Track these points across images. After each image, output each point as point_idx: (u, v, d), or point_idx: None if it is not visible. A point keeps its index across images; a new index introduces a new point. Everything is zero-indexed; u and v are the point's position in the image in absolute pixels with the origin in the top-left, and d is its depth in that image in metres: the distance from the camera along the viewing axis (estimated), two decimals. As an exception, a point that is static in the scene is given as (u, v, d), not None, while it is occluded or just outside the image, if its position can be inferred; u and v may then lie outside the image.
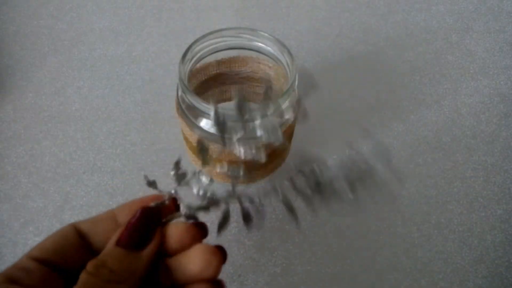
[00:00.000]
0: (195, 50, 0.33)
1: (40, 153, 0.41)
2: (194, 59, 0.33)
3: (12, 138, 0.42)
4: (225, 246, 0.23)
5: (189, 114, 0.32)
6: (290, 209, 0.26)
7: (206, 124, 0.31)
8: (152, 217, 0.22)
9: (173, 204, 0.24)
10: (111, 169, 0.40)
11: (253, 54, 0.36)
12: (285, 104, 0.31)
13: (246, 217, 0.26)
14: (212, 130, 0.31)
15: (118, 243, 0.21)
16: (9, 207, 0.37)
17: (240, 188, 0.25)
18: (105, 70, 0.48)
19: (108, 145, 0.42)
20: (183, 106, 0.32)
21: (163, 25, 0.54)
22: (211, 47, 0.34)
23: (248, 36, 0.34)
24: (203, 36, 0.33)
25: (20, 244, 0.35)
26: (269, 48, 0.34)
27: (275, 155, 0.35)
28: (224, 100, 0.42)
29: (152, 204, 0.23)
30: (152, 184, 0.25)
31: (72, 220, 0.37)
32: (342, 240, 0.36)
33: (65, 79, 0.47)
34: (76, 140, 0.42)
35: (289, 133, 0.34)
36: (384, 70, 0.50)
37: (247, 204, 0.26)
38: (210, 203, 0.25)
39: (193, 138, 0.33)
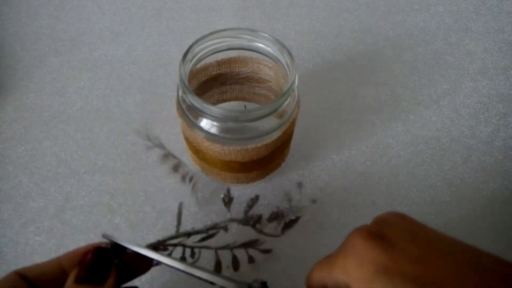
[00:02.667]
0: (196, 51, 0.33)
1: (41, 153, 0.41)
2: (195, 59, 0.33)
3: (13, 138, 0.42)
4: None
5: (190, 114, 0.32)
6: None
7: (206, 124, 0.31)
8: (104, 255, 0.24)
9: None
10: (111, 169, 0.40)
11: (253, 54, 0.36)
12: (285, 104, 0.31)
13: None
14: (213, 130, 0.31)
15: (77, 280, 0.22)
16: (10, 207, 0.37)
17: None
18: (106, 70, 0.49)
19: (109, 145, 0.42)
20: (184, 106, 0.32)
21: (163, 25, 0.54)
22: (211, 48, 0.34)
23: (248, 36, 0.34)
24: (204, 37, 0.33)
25: (21, 244, 0.35)
26: (269, 49, 0.34)
27: (274, 156, 0.35)
28: (224, 101, 0.42)
29: (103, 244, 0.25)
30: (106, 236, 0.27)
31: (73, 220, 0.37)
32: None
33: (66, 79, 0.47)
34: (76, 140, 0.42)
35: (289, 133, 0.34)
36: (384, 71, 0.50)
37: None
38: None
39: (193, 138, 0.33)
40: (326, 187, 0.40)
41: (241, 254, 0.33)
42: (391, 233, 0.19)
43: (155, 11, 0.56)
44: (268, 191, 0.39)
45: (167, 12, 0.56)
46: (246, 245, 0.32)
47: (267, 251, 0.34)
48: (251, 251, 0.34)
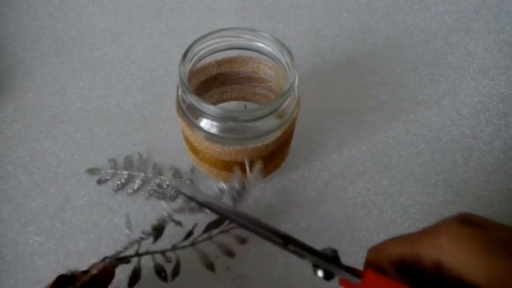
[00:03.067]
0: (195, 50, 0.33)
1: (41, 153, 0.41)
2: (194, 59, 0.33)
3: (13, 138, 0.42)
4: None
5: (189, 114, 0.32)
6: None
7: (206, 124, 0.31)
8: (66, 281, 0.26)
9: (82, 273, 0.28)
10: (111, 169, 0.40)
11: (253, 54, 0.36)
12: (285, 104, 0.31)
13: (159, 272, 0.30)
14: (213, 130, 0.31)
15: None
16: (10, 207, 0.37)
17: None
18: (106, 71, 0.49)
19: (109, 145, 0.42)
20: (184, 106, 0.32)
21: (163, 25, 0.54)
22: (211, 47, 0.34)
23: (248, 36, 0.34)
24: (203, 36, 0.33)
25: (21, 244, 0.35)
26: (269, 48, 0.34)
27: (275, 156, 0.35)
28: (224, 100, 0.42)
29: (66, 272, 0.27)
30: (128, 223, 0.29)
31: (73, 220, 0.37)
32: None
33: (66, 79, 0.47)
34: (76, 140, 0.42)
35: (289, 133, 0.34)
36: (384, 70, 0.50)
37: (159, 259, 0.30)
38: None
39: (193, 138, 0.33)
40: (326, 187, 0.39)
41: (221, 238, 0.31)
42: (478, 220, 0.21)
43: (155, 11, 0.56)
44: (268, 191, 0.39)
45: (167, 12, 0.56)
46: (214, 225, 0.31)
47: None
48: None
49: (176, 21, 0.55)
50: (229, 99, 0.42)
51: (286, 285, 0.34)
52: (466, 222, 0.21)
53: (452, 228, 0.20)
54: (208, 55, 0.35)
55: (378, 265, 0.23)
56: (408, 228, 0.37)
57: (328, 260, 0.22)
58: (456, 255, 0.19)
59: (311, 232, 0.37)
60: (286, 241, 0.24)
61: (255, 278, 0.34)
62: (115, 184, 0.39)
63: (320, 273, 0.22)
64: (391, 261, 0.22)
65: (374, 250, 0.24)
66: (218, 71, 0.38)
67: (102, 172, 0.39)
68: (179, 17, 0.55)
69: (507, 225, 0.21)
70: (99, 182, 0.39)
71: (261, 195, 0.39)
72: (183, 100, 0.32)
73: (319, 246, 0.37)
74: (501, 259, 0.18)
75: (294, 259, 0.35)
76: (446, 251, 0.20)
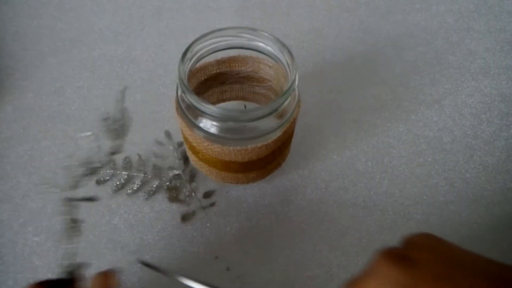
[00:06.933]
0: (195, 50, 0.33)
1: (40, 153, 0.41)
2: (194, 58, 0.33)
3: (12, 138, 0.42)
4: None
5: (189, 114, 0.32)
6: None
7: (205, 124, 0.31)
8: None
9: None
10: (110, 169, 0.40)
11: (253, 53, 0.35)
12: (285, 104, 0.31)
13: None
14: (212, 130, 0.31)
15: None
16: (8, 207, 0.37)
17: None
18: (105, 70, 0.48)
19: (108, 145, 0.41)
20: (183, 106, 0.32)
21: (162, 24, 0.54)
22: (211, 47, 0.34)
23: (248, 35, 0.34)
24: (203, 36, 0.33)
25: (19, 244, 0.35)
26: (269, 48, 0.34)
27: (275, 156, 0.35)
28: (224, 100, 0.42)
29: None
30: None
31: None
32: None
33: (65, 79, 0.47)
34: (75, 140, 0.42)
35: (289, 133, 0.34)
36: (384, 70, 0.50)
37: None
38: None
39: (193, 138, 0.32)
40: (327, 187, 0.39)
41: None
42: (415, 254, 0.19)
43: (155, 11, 0.56)
44: (268, 191, 0.39)
45: (166, 11, 0.56)
46: None
47: None
48: None
49: (176, 20, 0.54)
50: (229, 99, 0.42)
51: (286, 285, 0.34)
52: (398, 256, 0.19)
53: (380, 268, 0.19)
54: (207, 55, 0.35)
55: None
56: (409, 229, 0.37)
57: None
58: None
59: (311, 232, 0.36)
60: None
61: (255, 278, 0.34)
62: (115, 185, 0.38)
63: None
64: None
65: None
66: (218, 71, 0.38)
67: (101, 172, 0.39)
68: (179, 17, 0.55)
69: (456, 251, 0.19)
70: (98, 182, 0.39)
71: (261, 195, 0.39)
72: (183, 100, 0.31)
73: (320, 247, 0.37)
74: None
75: (294, 259, 0.35)
76: None
